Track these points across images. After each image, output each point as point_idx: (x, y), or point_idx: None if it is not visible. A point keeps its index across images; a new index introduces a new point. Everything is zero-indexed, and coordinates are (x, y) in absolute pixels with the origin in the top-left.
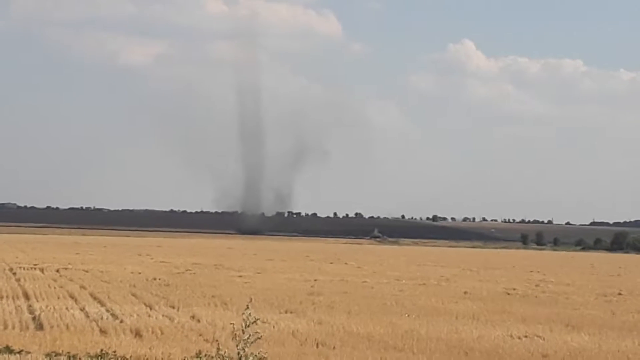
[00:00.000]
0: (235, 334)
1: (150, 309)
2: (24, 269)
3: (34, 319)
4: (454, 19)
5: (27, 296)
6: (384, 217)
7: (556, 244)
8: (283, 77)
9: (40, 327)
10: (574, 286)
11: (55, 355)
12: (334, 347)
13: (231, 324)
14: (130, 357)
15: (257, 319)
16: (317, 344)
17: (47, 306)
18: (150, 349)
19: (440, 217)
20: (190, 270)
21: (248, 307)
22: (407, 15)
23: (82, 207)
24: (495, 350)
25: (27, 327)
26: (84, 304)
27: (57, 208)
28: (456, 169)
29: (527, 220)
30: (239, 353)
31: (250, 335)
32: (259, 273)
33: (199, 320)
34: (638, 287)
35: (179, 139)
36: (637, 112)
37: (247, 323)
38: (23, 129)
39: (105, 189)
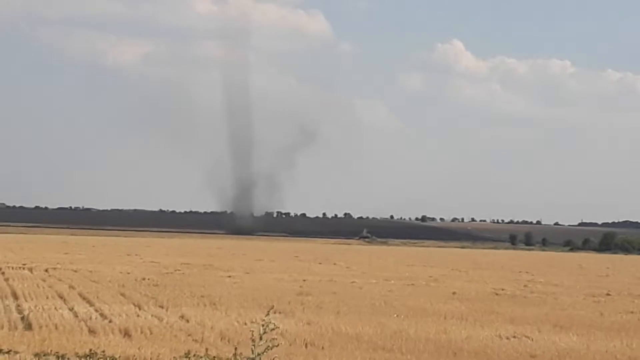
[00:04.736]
0: (253, 343)
1: (139, 308)
2: (12, 268)
3: (22, 318)
4: (443, 19)
5: (15, 296)
6: (373, 218)
7: (545, 244)
8: (272, 77)
9: (28, 327)
10: (562, 286)
11: (43, 355)
12: (322, 348)
13: (251, 331)
14: (119, 357)
15: (277, 327)
16: (306, 344)
17: (35, 306)
18: (139, 348)
19: (429, 218)
20: (179, 270)
21: (268, 314)
22: (396, 15)
23: (71, 207)
24: (483, 351)
25: (16, 327)
26: (72, 303)
27: (45, 208)
28: (445, 169)
29: (515, 220)
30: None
31: (268, 341)
32: (248, 273)
33: (187, 320)
34: (626, 287)
35: (168, 139)
36: (625, 113)
37: (266, 330)
38: (11, 128)
39: (94, 189)
